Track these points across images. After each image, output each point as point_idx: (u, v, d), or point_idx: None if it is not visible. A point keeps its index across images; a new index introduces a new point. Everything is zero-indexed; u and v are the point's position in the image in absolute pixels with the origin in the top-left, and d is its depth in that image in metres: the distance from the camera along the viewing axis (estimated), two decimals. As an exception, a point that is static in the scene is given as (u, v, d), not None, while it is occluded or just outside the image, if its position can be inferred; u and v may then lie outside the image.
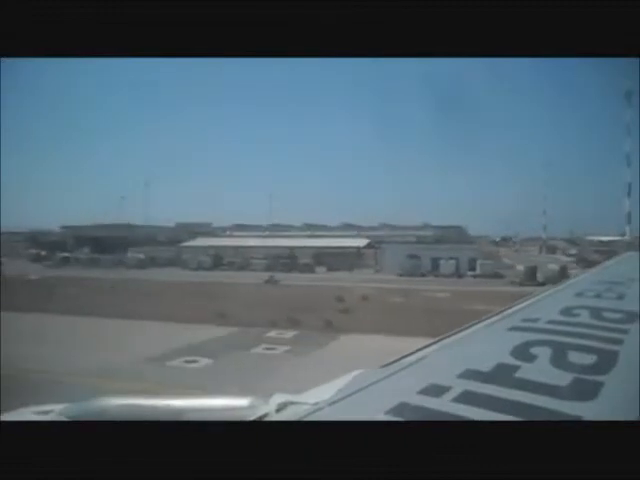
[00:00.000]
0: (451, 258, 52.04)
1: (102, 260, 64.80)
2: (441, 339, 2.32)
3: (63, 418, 2.39)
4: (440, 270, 50.97)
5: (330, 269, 55.51)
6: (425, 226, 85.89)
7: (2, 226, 72.19)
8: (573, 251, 67.42)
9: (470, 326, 2.61)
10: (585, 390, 1.55)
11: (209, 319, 23.78)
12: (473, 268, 50.75)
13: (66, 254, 72.56)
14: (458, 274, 49.76)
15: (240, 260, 61.40)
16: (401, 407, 1.42)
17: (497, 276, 46.74)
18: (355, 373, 1.75)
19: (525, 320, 2.61)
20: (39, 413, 2.55)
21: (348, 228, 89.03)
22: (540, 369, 1.76)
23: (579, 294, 3.46)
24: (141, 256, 65.36)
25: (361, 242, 69.64)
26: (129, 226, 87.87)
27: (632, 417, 1.37)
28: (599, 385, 1.59)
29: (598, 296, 3.35)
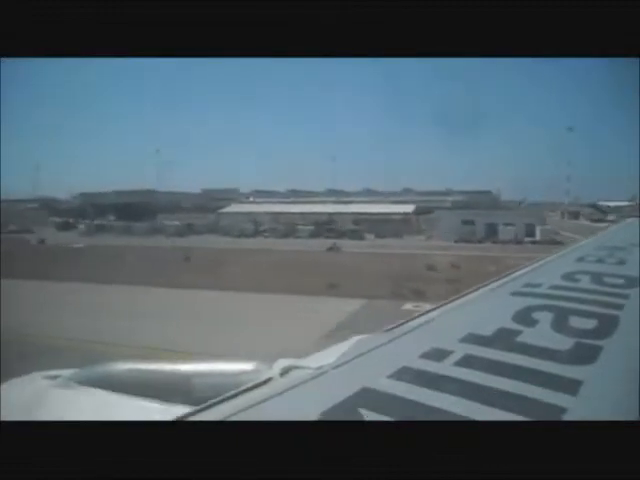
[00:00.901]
0: (508, 224, 50.29)
1: (137, 227, 63.11)
2: (444, 304, 2.33)
3: (72, 383, 2.41)
4: (499, 236, 49.27)
5: (378, 236, 54.08)
6: (448, 191, 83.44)
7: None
8: (611, 217, 63.72)
9: (473, 291, 2.62)
10: (585, 354, 1.57)
11: (321, 290, 22.45)
12: (531, 234, 49.20)
13: (99, 221, 70.56)
14: (516, 240, 47.98)
15: (283, 227, 60.30)
16: (403, 371, 1.44)
17: (555, 242, 43.52)
18: (358, 337, 1.76)
19: (527, 285, 2.63)
20: (47, 378, 2.58)
21: (370, 194, 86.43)
22: (541, 334, 1.78)
23: (580, 259, 3.48)
24: (177, 223, 63.89)
25: (407, 208, 67.86)
26: (151, 192, 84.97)
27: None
28: (599, 349, 1.61)
29: (600, 261, 3.36)
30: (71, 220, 75.01)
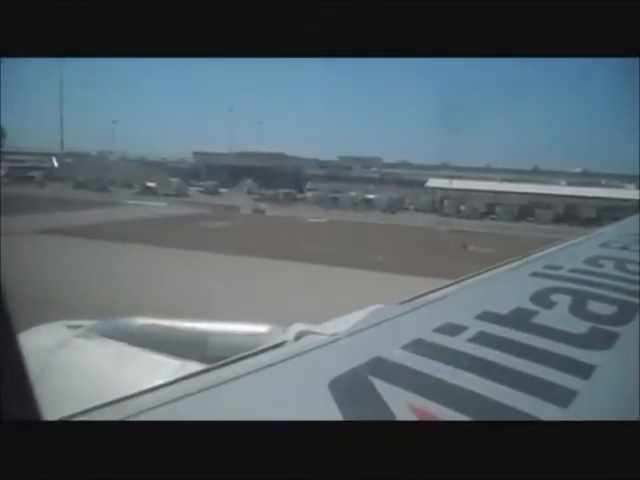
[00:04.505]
0: None
1: (340, 199, 54.30)
2: (462, 280, 2.30)
3: (93, 333, 2.47)
4: None
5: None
6: (585, 172, 68.44)
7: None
8: None
9: (492, 269, 2.58)
10: (601, 340, 1.55)
11: None
12: None
13: (287, 190, 59.02)
14: None
15: (514, 209, 49.94)
16: (416, 343, 1.43)
17: None
18: (374, 307, 1.74)
19: (548, 267, 2.58)
20: (71, 327, 2.66)
21: (505, 172, 68.81)
22: (558, 316, 1.75)
23: (605, 245, 3.41)
24: (376, 196, 54.89)
25: (633, 193, 53.63)
26: (281, 156, 74.33)
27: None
28: (615, 336, 1.59)
29: (624, 248, 3.30)
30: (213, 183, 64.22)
